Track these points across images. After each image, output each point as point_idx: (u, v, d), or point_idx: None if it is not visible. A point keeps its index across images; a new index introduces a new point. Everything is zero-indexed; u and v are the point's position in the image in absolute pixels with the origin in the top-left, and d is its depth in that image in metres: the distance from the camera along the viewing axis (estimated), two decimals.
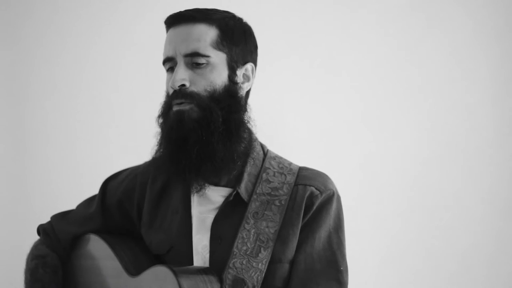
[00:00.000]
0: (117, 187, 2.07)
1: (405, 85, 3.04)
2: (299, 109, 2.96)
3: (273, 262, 1.83)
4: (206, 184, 1.88)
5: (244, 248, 1.83)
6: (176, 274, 1.75)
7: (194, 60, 1.84)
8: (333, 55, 3.00)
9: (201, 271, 1.81)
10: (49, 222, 2.15)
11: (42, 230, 2.13)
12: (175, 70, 1.85)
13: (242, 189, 1.88)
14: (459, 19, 3.03)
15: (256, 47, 1.96)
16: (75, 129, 3.06)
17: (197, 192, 1.88)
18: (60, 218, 2.14)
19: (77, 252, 2.09)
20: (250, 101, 1.97)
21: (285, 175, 1.92)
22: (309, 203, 1.87)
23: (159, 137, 1.91)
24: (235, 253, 1.83)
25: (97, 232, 2.07)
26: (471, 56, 3.05)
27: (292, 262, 1.85)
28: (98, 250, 2.02)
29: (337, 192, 1.91)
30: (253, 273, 1.81)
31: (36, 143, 3.09)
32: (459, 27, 3.03)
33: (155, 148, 1.92)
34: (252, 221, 1.86)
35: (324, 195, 1.89)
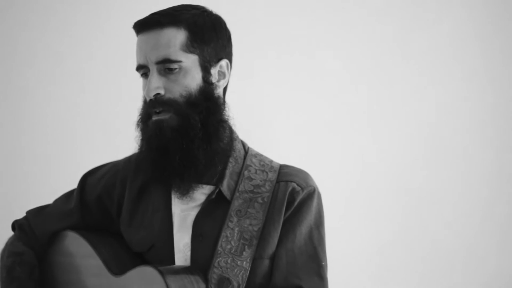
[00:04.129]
0: (96, 183, 2.05)
1: (392, 78, 3.06)
2: (279, 105, 2.96)
3: (254, 258, 1.85)
4: (193, 185, 1.88)
5: (228, 246, 1.85)
6: (163, 274, 1.75)
7: (166, 66, 1.83)
8: (313, 49, 3.00)
9: (187, 270, 1.82)
10: (24, 218, 2.12)
11: (17, 226, 2.10)
12: (149, 79, 1.85)
13: (225, 187, 1.89)
14: (458, 18, 3.06)
15: (229, 39, 1.95)
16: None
17: (184, 195, 1.88)
18: (37, 213, 2.11)
19: (55, 249, 2.07)
20: (229, 97, 1.96)
21: (266, 172, 1.94)
22: (291, 199, 1.89)
23: (139, 140, 1.90)
24: (219, 252, 1.84)
25: (75, 228, 2.05)
26: (469, 54, 3.08)
27: (273, 258, 1.87)
28: (78, 248, 2.01)
29: (317, 189, 1.94)
30: (238, 271, 1.83)
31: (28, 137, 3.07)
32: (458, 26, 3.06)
33: (137, 147, 1.91)
34: (235, 219, 1.87)
35: (305, 191, 1.91)
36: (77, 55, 3.17)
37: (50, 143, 3.09)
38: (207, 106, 1.85)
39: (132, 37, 1.88)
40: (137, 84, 1.89)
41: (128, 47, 2.90)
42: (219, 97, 1.90)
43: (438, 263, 3.12)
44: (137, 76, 1.89)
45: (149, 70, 1.85)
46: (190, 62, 1.85)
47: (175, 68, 1.83)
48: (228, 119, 1.92)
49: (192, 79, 1.84)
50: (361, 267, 3.03)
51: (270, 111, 3.03)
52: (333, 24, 3.09)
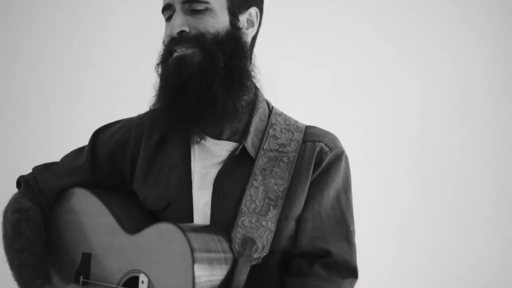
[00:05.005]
0: (109, 139, 1.92)
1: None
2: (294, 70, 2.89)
3: (280, 219, 1.73)
4: (207, 136, 1.76)
5: (253, 206, 1.72)
6: (184, 231, 1.62)
7: (192, 7, 1.73)
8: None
9: (209, 229, 1.70)
10: (31, 173, 1.99)
11: (23, 181, 1.97)
12: (173, 17, 1.74)
13: (249, 144, 1.77)
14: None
15: None
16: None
17: (197, 143, 1.77)
18: (44, 169, 1.98)
19: (62, 207, 1.93)
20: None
21: (292, 132, 1.82)
22: (319, 159, 1.77)
23: (157, 88, 1.78)
24: (243, 211, 1.72)
25: (84, 186, 1.92)
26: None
27: (299, 220, 1.75)
28: (87, 205, 1.88)
29: (345, 152, 1.82)
30: (263, 232, 1.71)
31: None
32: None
33: (153, 99, 1.79)
34: (260, 178, 1.75)
35: (334, 152, 1.79)
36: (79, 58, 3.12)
37: (52, 144, 3.02)
38: (233, 48, 1.73)
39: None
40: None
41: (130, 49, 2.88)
42: (246, 44, 1.78)
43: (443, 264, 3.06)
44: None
45: (174, 11, 1.74)
46: (218, 4, 1.73)
47: (202, 9, 1.72)
48: (253, 70, 1.80)
49: (219, 22, 1.73)
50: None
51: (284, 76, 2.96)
52: None
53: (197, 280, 1.57)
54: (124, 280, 1.73)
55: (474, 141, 3.06)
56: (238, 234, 1.69)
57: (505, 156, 3.05)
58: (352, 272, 1.73)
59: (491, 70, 3.03)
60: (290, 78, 3.00)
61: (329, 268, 1.71)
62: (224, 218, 1.73)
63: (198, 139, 1.77)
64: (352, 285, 1.72)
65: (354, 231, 1.78)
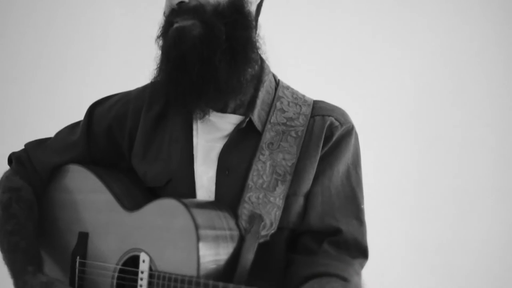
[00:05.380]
0: (106, 113, 1.82)
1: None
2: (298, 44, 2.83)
3: (288, 195, 1.64)
4: (210, 110, 1.67)
5: (260, 181, 1.63)
6: (187, 207, 1.53)
7: None
8: None
9: (213, 205, 1.61)
10: (23, 150, 1.89)
11: (15, 158, 1.87)
12: None
13: (255, 117, 1.68)
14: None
15: None
16: None
17: (200, 118, 1.67)
18: (37, 145, 1.88)
19: (56, 185, 1.84)
20: None
21: (300, 105, 1.73)
22: (329, 134, 1.69)
23: (158, 61, 1.69)
24: (250, 186, 1.63)
25: (79, 163, 1.82)
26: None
27: (308, 196, 1.66)
28: (83, 182, 1.78)
29: (355, 127, 1.74)
30: (271, 208, 1.62)
31: None
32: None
33: (154, 73, 1.70)
34: (267, 153, 1.66)
35: (344, 127, 1.71)
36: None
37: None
38: (235, 19, 1.64)
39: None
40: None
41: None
42: (250, 13, 1.69)
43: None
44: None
45: None
46: None
47: None
48: (258, 41, 1.71)
49: None
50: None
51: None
52: None
53: (202, 259, 1.48)
54: (124, 259, 1.64)
55: (482, 116, 3.00)
56: (244, 211, 1.61)
57: None
58: (362, 252, 1.65)
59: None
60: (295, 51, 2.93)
61: (338, 246, 1.63)
62: (229, 194, 1.64)
63: (202, 114, 1.68)
64: (362, 265, 1.64)
65: (364, 210, 1.70)
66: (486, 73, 3.00)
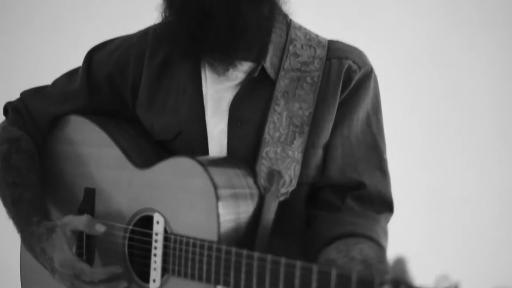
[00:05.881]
0: (106, 59, 1.70)
1: None
2: None
3: (306, 148, 1.55)
4: (236, 60, 1.55)
5: (277, 134, 1.54)
6: (204, 166, 1.44)
7: None
8: None
9: (231, 162, 1.52)
10: (20, 99, 1.77)
11: (11, 108, 1.75)
12: None
13: (268, 64, 1.57)
14: None
15: None
16: None
17: (223, 73, 1.55)
18: (34, 94, 1.76)
19: (57, 137, 1.73)
20: None
21: (314, 48, 1.61)
22: (347, 79, 1.58)
23: (163, 7, 1.55)
24: (266, 140, 1.53)
25: (81, 113, 1.71)
26: None
27: (327, 147, 1.57)
28: (88, 134, 1.68)
29: (374, 69, 1.63)
30: (289, 163, 1.53)
31: None
32: None
33: (161, 13, 1.56)
34: (282, 102, 1.55)
35: (362, 70, 1.60)
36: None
37: None
38: None
39: None
40: None
41: None
42: None
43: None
44: None
45: None
46: None
47: None
48: None
49: None
50: None
51: None
52: None
53: (222, 219, 1.40)
54: (135, 220, 1.55)
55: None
56: (263, 167, 1.52)
57: None
58: (388, 206, 1.57)
59: None
60: None
61: (362, 201, 1.55)
62: (242, 148, 1.55)
63: (211, 61, 1.56)
64: (388, 220, 1.57)
65: (387, 159, 1.61)
66: None
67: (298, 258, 1.55)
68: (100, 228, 1.55)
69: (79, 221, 1.55)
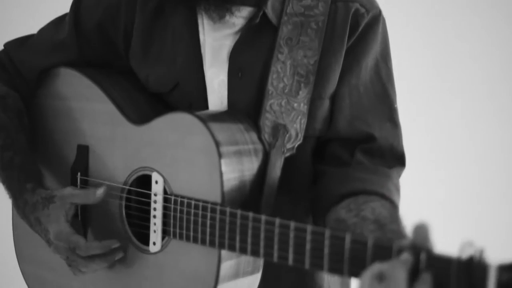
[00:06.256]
0: (94, 6, 1.58)
1: None
2: None
3: (312, 99, 1.45)
4: (234, 7, 1.44)
5: (281, 85, 1.44)
6: (205, 122, 1.35)
7: None
8: None
9: (232, 117, 1.42)
10: (3, 51, 1.66)
11: None
12: None
13: (269, 9, 1.46)
14: None
15: None
16: None
17: (222, 17, 1.44)
18: (18, 45, 1.65)
19: (45, 91, 1.63)
20: None
21: None
22: (354, 23, 1.47)
23: None
24: (270, 92, 1.44)
25: (71, 65, 1.60)
26: None
27: (334, 98, 1.48)
28: (78, 88, 1.58)
29: (382, 13, 1.52)
30: (295, 116, 1.43)
31: None
32: None
33: None
34: (286, 50, 1.45)
35: (371, 13, 1.49)
36: None
37: None
38: None
39: None
40: None
41: None
42: None
43: None
44: None
45: None
46: None
47: None
48: None
49: None
50: None
51: None
52: None
53: (225, 177, 1.31)
54: (131, 179, 1.46)
55: None
56: (267, 121, 1.42)
57: None
58: (399, 159, 1.48)
59: None
60: None
61: (372, 155, 1.46)
62: (244, 100, 1.46)
63: (207, 6, 1.45)
64: (399, 174, 1.48)
65: (397, 109, 1.52)
66: None
67: (304, 218, 1.49)
68: (100, 192, 1.46)
69: (79, 197, 1.46)
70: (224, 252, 1.31)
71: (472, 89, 2.97)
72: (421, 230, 1.03)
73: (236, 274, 1.35)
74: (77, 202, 1.47)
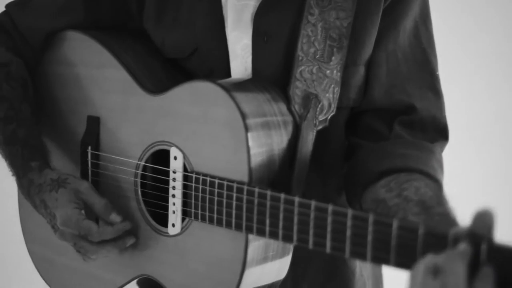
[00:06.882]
0: None
1: None
2: None
3: (346, 66, 1.31)
4: None
5: (312, 50, 1.30)
6: (229, 92, 1.21)
7: None
8: None
9: (259, 86, 1.28)
10: (4, 14, 1.52)
11: None
12: None
13: None
14: None
15: None
16: None
17: None
18: (21, 7, 1.51)
19: (51, 56, 1.49)
20: None
21: None
22: None
23: None
24: (300, 58, 1.29)
25: (78, 28, 1.46)
26: None
27: (370, 64, 1.34)
28: (88, 53, 1.44)
29: None
30: (327, 85, 1.30)
31: None
32: None
33: None
34: (316, 11, 1.30)
35: None
36: None
37: None
38: None
39: None
40: None
41: None
42: None
43: None
44: None
45: None
46: None
47: None
48: None
49: None
50: None
51: None
52: None
53: (252, 152, 1.18)
54: (148, 154, 1.33)
55: None
56: (297, 91, 1.28)
57: None
58: (442, 132, 1.34)
59: None
60: None
61: (413, 128, 1.32)
62: (271, 68, 1.32)
63: None
64: (442, 149, 1.34)
65: (439, 76, 1.38)
66: None
67: (336, 197, 1.36)
68: (115, 218, 1.33)
69: (95, 201, 1.33)
70: (251, 235, 1.19)
71: (472, 89, 2.85)
72: (485, 218, 0.90)
73: (265, 258, 1.23)
74: (92, 205, 1.34)
